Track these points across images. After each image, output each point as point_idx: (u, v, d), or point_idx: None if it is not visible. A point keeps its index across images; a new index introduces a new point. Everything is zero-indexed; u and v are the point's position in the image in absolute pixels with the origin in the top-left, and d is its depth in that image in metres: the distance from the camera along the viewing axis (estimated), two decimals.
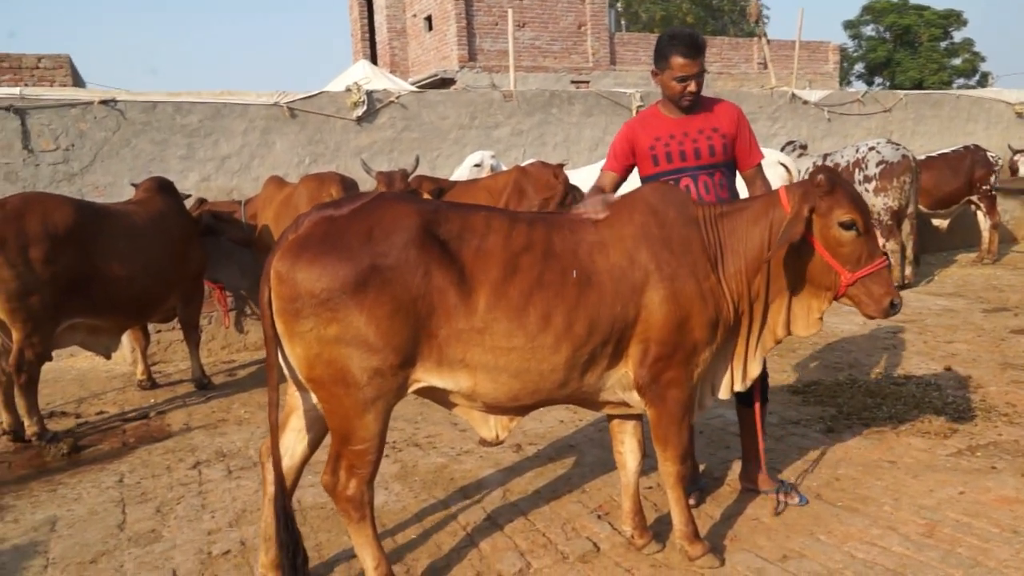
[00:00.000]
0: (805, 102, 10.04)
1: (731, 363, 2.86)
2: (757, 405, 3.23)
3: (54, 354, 5.96)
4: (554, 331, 2.49)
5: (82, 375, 6.14)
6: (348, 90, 7.33)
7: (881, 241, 7.84)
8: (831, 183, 2.71)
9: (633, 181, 3.25)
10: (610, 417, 2.96)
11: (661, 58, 3.12)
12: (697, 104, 3.19)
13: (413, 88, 9.07)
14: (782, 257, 2.74)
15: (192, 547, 3.17)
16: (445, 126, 7.84)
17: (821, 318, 2.90)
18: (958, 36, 33.19)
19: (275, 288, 2.41)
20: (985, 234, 9.27)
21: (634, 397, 2.73)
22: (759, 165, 3.29)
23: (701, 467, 3.71)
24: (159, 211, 4.96)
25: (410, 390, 2.54)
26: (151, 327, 6.00)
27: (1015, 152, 11.55)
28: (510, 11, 12.55)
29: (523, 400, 2.60)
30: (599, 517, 3.27)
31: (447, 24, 19.08)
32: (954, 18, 33.08)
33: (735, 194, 3.25)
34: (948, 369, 5.10)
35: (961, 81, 34.01)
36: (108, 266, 4.54)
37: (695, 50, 3.05)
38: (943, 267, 9.28)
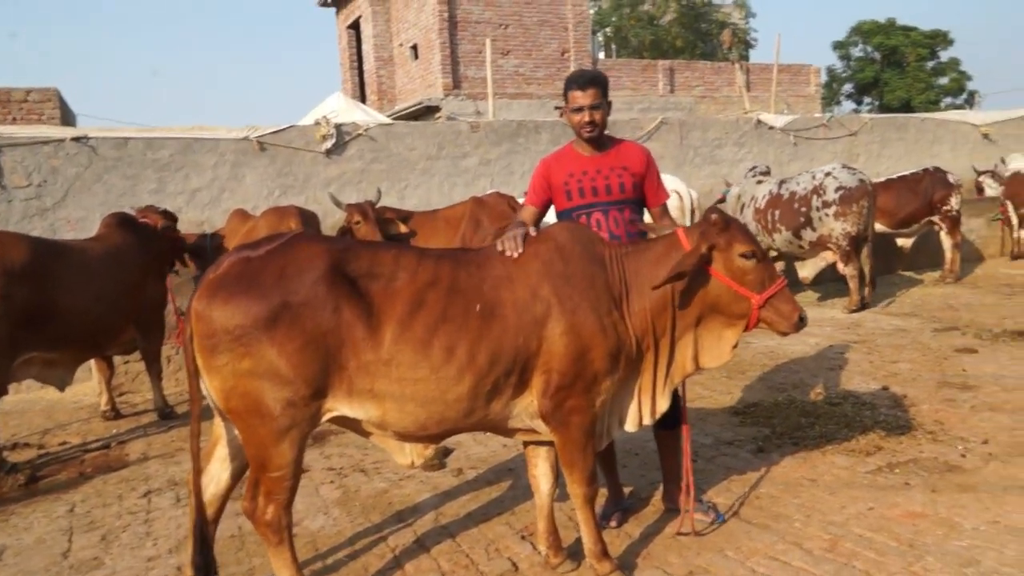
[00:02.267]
0: (771, 127, 10.28)
1: (638, 397, 3.02)
2: (686, 427, 3.36)
3: (24, 386, 6.14)
4: (457, 362, 2.66)
5: (50, 406, 6.29)
6: (317, 123, 7.55)
7: (840, 265, 8.05)
8: (725, 221, 2.92)
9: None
10: (524, 443, 3.12)
11: (564, 96, 3.35)
12: (604, 140, 3.39)
13: (386, 120, 9.30)
14: (688, 295, 2.92)
15: (130, 573, 3.31)
16: (413, 157, 8.06)
17: (733, 347, 3.09)
18: (944, 56, 33.67)
19: (194, 325, 2.59)
20: (947, 254, 9.46)
21: (540, 424, 2.89)
22: (664, 204, 3.49)
23: (629, 489, 3.85)
24: (115, 245, 5.13)
25: (323, 419, 2.70)
26: (119, 358, 6.16)
27: (979, 173, 11.80)
28: (488, 41, 12.88)
29: (431, 429, 2.76)
30: (523, 538, 3.41)
31: (432, 53, 19.43)
32: (940, 38, 33.57)
33: (642, 230, 3.43)
34: (886, 388, 5.26)
35: (948, 100, 34.41)
36: (62, 300, 4.70)
37: (587, 83, 3.28)
38: (906, 287, 9.46)
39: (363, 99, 22.99)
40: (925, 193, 9.06)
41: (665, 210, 3.48)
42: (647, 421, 3.04)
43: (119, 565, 3.41)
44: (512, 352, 2.72)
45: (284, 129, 7.47)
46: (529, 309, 2.75)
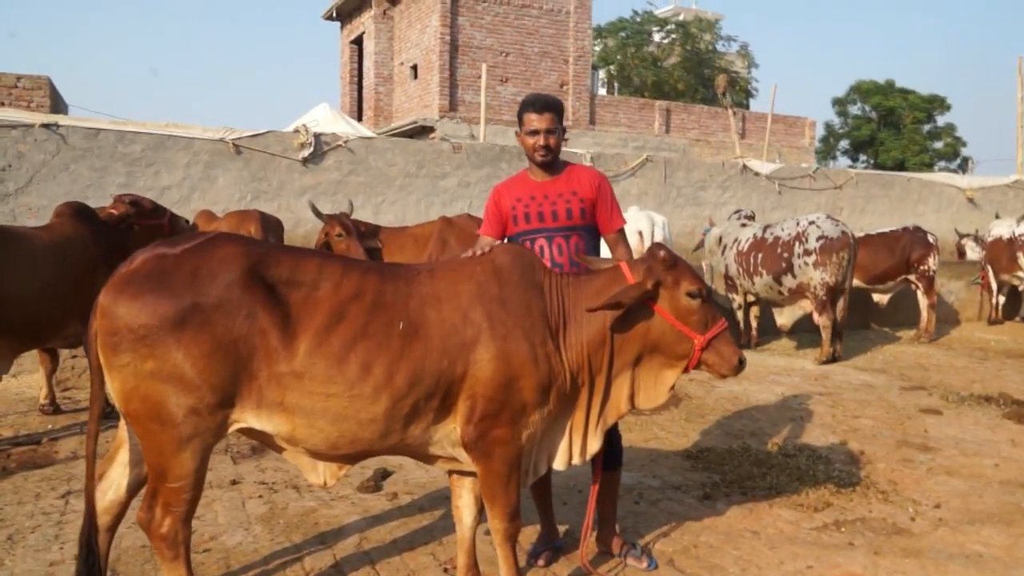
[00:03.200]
0: (756, 174, 10.28)
1: (570, 434, 2.89)
2: (596, 479, 3.21)
3: None
4: (374, 381, 2.53)
5: None
6: (296, 131, 7.46)
7: (815, 315, 7.97)
8: (673, 258, 2.83)
9: None
10: (449, 472, 2.98)
11: (518, 120, 3.26)
12: (557, 166, 3.30)
13: (369, 133, 9.23)
14: (628, 332, 2.81)
15: None
16: (392, 173, 7.97)
17: (671, 389, 2.97)
18: (941, 120, 34.16)
19: (98, 321, 2.45)
20: (923, 313, 9.42)
21: (463, 453, 2.75)
22: (621, 230, 3.38)
23: (565, 528, 3.70)
24: (65, 236, 4.98)
25: (230, 430, 2.56)
26: (67, 352, 5.98)
27: (961, 236, 11.83)
28: (484, 66, 12.88)
29: (343, 448, 2.62)
30: (445, 571, 3.25)
31: (431, 74, 19.49)
32: (938, 103, 34.07)
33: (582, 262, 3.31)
34: (844, 443, 5.14)
35: (943, 164, 34.86)
36: (8, 289, 4.55)
37: (543, 107, 3.21)
38: (880, 343, 9.39)
39: (359, 115, 23.03)
40: (903, 251, 9.04)
41: (620, 237, 3.37)
42: (577, 461, 2.91)
43: (18, 568, 3.23)
44: (435, 375, 2.59)
45: (262, 134, 7.38)
46: (457, 331, 2.63)
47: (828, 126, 36.45)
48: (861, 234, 9.35)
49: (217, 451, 4.80)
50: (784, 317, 8.47)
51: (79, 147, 6.66)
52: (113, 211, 5.59)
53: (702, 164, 10.28)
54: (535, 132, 3.23)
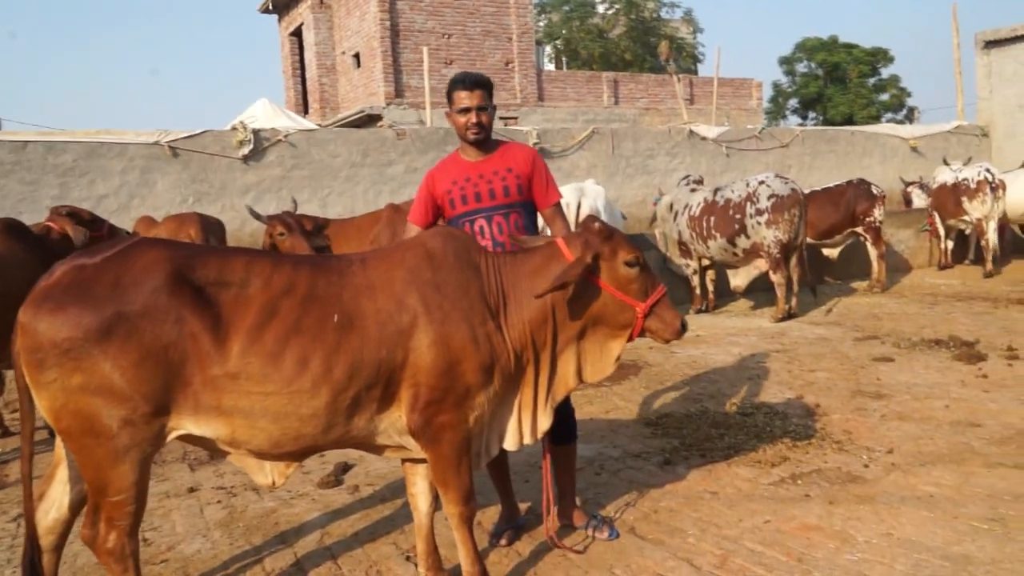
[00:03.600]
0: (704, 138, 10.33)
1: (519, 413, 2.88)
2: (546, 454, 3.23)
3: None
4: (311, 376, 2.49)
5: None
6: (234, 128, 7.31)
7: (770, 274, 8.07)
8: (608, 229, 2.82)
9: None
10: (403, 460, 2.96)
11: (448, 99, 3.22)
12: (490, 144, 3.27)
13: (311, 126, 9.08)
14: (570, 306, 2.81)
15: None
16: (336, 164, 7.86)
17: (617, 359, 2.98)
18: (885, 72, 34.66)
19: (20, 339, 2.37)
20: (874, 264, 9.59)
21: (410, 441, 2.73)
22: (557, 204, 3.37)
23: (527, 505, 3.71)
24: None
25: (168, 438, 2.50)
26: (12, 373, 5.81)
27: (907, 184, 12.04)
28: (426, 49, 12.74)
29: (287, 446, 2.58)
30: (407, 559, 3.24)
31: (374, 61, 19.24)
32: (881, 55, 34.56)
33: (533, 234, 3.30)
34: (800, 398, 5.23)
35: (889, 115, 35.44)
36: None
37: (474, 85, 3.17)
38: (835, 296, 9.55)
39: (306, 107, 22.68)
40: (848, 205, 9.18)
41: (557, 212, 3.36)
42: (528, 439, 2.90)
43: None
44: (374, 365, 2.56)
45: (198, 134, 7.21)
46: (393, 319, 2.60)
47: (776, 86, 36.84)
48: (808, 191, 9.47)
49: (175, 459, 4.73)
50: (739, 278, 8.56)
51: (7, 161, 6.44)
52: (51, 224, 5.43)
53: (649, 133, 10.31)
54: (466, 110, 3.19)
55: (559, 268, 2.77)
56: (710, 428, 4.65)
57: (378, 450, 2.82)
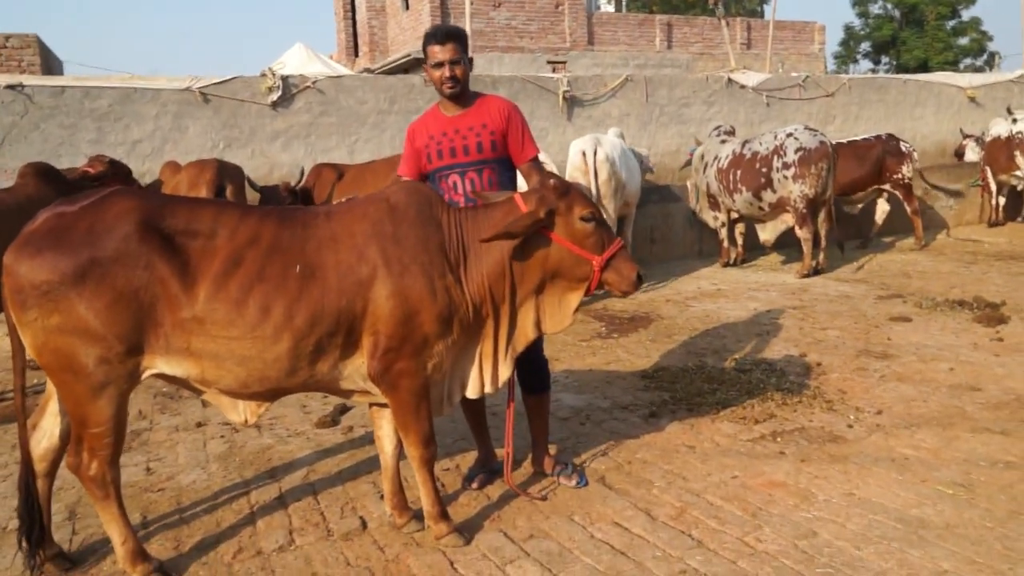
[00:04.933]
0: (743, 86, 10.05)
1: (480, 363, 2.99)
2: (511, 401, 3.32)
3: None
4: (273, 322, 2.63)
5: None
6: (263, 75, 7.44)
7: (796, 228, 7.92)
8: (564, 185, 2.87)
9: None
10: (370, 404, 3.10)
11: (423, 53, 3.25)
12: (468, 98, 3.30)
13: (345, 71, 9.15)
14: (527, 261, 2.88)
15: None
16: (364, 111, 7.95)
17: (574, 312, 3.05)
18: (966, 15, 32.80)
19: (4, 280, 2.56)
20: (912, 220, 9.28)
21: (373, 386, 2.87)
22: (535, 159, 3.39)
23: (510, 451, 3.83)
24: (28, 197, 5.08)
25: (143, 376, 2.68)
26: None
27: (965, 136, 11.52)
28: None
29: (254, 387, 2.74)
30: (382, 497, 3.39)
31: (421, 3, 19.07)
32: None
33: (509, 190, 3.34)
34: (803, 355, 5.20)
35: (968, 61, 33.69)
36: None
37: (446, 37, 3.20)
38: (872, 252, 9.31)
39: (356, 51, 22.69)
40: (875, 161, 8.87)
41: (534, 167, 3.38)
42: (489, 388, 3.01)
43: None
44: (334, 314, 2.69)
45: (228, 80, 7.36)
46: (353, 271, 2.71)
47: (848, 28, 35.22)
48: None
49: (190, 395, 5.00)
50: (767, 232, 8.42)
51: (46, 106, 6.72)
52: (89, 169, 5.68)
53: (685, 80, 10.06)
54: (439, 64, 3.22)
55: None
56: (703, 383, 4.69)
57: (345, 394, 2.96)
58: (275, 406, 4.61)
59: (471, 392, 3.02)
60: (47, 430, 2.87)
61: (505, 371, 3.01)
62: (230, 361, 2.65)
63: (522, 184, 3.46)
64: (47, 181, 5.38)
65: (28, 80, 6.71)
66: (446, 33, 3.22)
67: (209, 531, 3.19)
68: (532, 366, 3.46)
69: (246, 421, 2.91)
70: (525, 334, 3.00)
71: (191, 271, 2.59)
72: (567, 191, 2.87)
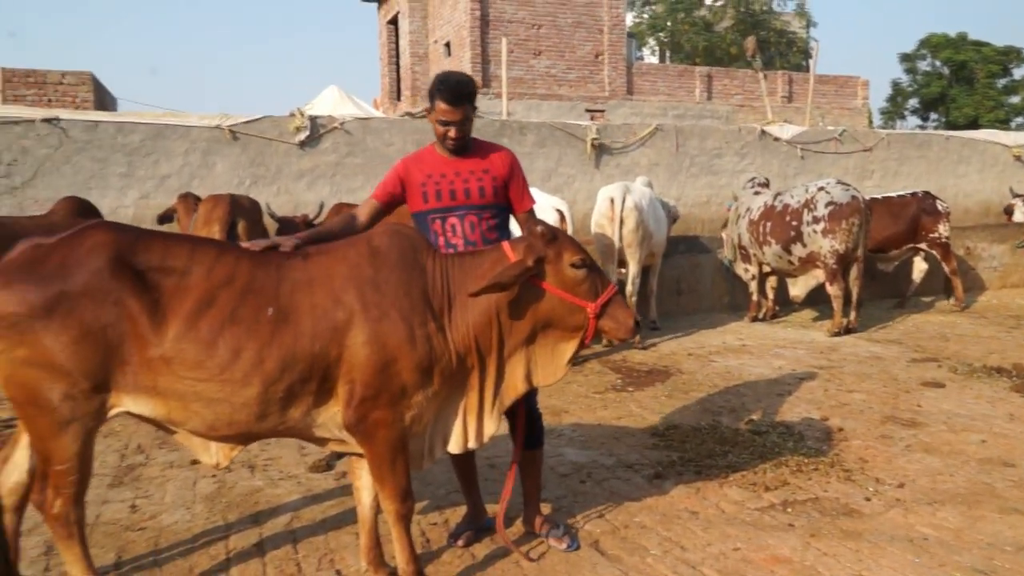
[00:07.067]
0: (776, 139, 9.89)
1: (464, 417, 2.85)
2: (514, 457, 3.16)
3: None
4: (243, 366, 2.53)
5: None
6: (291, 115, 7.53)
7: (826, 285, 7.68)
8: (551, 232, 2.77)
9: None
10: (348, 454, 2.98)
11: (430, 99, 3.16)
12: (467, 148, 3.22)
13: (376, 114, 9.24)
14: (516, 310, 2.77)
15: None
16: (390, 152, 7.98)
17: (568, 363, 2.91)
18: (1018, 73, 32.42)
19: None
20: (952, 281, 8.94)
21: (349, 436, 2.75)
22: (531, 210, 3.31)
23: (505, 506, 3.66)
24: (54, 224, 5.13)
25: (109, 414, 2.60)
26: None
27: (1015, 195, 11.17)
28: (504, 40, 12.75)
29: (222, 430, 2.64)
30: None
31: (463, 51, 19.40)
32: (1014, 55, 32.43)
33: (505, 237, 3.24)
34: (825, 419, 4.95)
35: (1020, 120, 33.16)
36: None
37: (457, 98, 3.06)
38: (909, 312, 8.98)
39: (398, 95, 23.11)
40: (910, 218, 8.61)
41: (531, 216, 3.29)
42: (472, 444, 2.87)
43: None
44: (307, 359, 2.58)
45: (258, 119, 7.47)
46: (329, 315, 2.61)
47: (895, 84, 34.99)
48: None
49: None
50: (797, 288, 8.17)
51: (80, 139, 6.88)
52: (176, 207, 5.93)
53: (717, 131, 9.93)
54: (447, 124, 3.13)
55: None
56: (715, 444, 4.47)
57: (320, 442, 2.85)
58: (272, 447, 4.56)
59: (453, 447, 2.88)
60: (18, 464, 2.80)
61: (491, 426, 2.87)
62: (197, 403, 2.56)
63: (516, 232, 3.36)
64: (76, 214, 5.45)
65: (64, 114, 6.88)
66: (458, 94, 3.08)
67: None
68: (525, 421, 3.31)
69: (218, 464, 2.80)
70: (514, 387, 2.87)
71: (162, 309, 2.52)
72: (555, 237, 2.76)
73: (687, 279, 8.97)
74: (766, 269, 8.55)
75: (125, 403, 2.57)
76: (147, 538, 3.42)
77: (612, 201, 6.88)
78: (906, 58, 34.44)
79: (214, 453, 2.79)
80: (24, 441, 2.81)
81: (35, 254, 2.53)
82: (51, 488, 2.60)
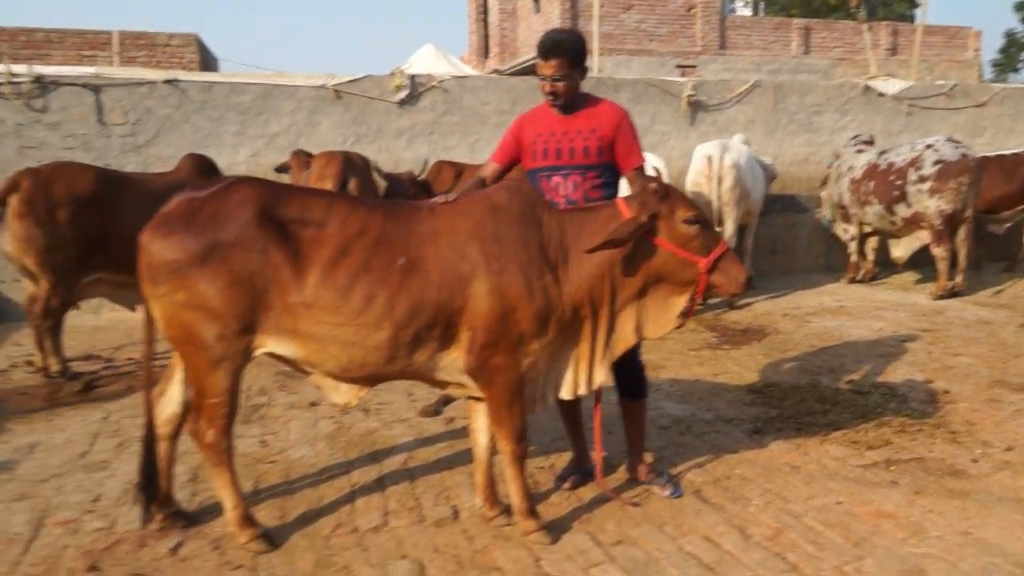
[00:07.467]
0: (880, 94, 9.50)
1: (575, 365, 2.99)
2: (598, 404, 3.25)
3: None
4: (376, 311, 2.73)
5: (134, 325, 6.90)
6: (392, 74, 7.71)
7: (931, 246, 7.43)
8: (664, 189, 2.84)
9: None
10: (468, 397, 3.17)
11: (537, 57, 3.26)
12: (576, 105, 3.30)
13: (473, 73, 9.35)
14: (630, 265, 2.88)
15: (126, 476, 3.65)
16: (486, 111, 8.09)
17: (681, 316, 3.00)
18: None
19: (139, 257, 2.80)
20: None
21: (469, 379, 2.93)
22: (640, 168, 3.35)
23: (601, 454, 3.81)
24: (179, 181, 5.47)
25: (254, 355, 2.86)
26: None
27: None
28: None
29: (354, 372, 2.86)
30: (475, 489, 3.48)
31: (552, 6, 19.18)
32: None
33: (612, 195, 3.32)
34: (929, 382, 4.87)
35: None
36: (125, 228, 5.10)
37: (548, 52, 3.15)
38: (1021, 276, 8.58)
39: (486, 52, 23.11)
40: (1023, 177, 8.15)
41: (638, 174, 3.34)
42: (582, 391, 3.01)
43: (121, 468, 3.77)
44: (433, 307, 2.76)
45: (360, 79, 7.69)
46: (454, 267, 2.77)
47: (1009, 34, 32.66)
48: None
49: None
50: (900, 249, 7.93)
51: (197, 99, 7.26)
52: (288, 162, 6.33)
53: (817, 87, 9.59)
54: (543, 78, 3.23)
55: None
56: (815, 402, 4.49)
57: (441, 385, 3.04)
58: (382, 392, 4.83)
59: (565, 393, 3.03)
60: (173, 396, 3.10)
61: (600, 374, 3.00)
62: (333, 346, 2.78)
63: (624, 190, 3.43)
64: (200, 171, 5.78)
65: (183, 76, 7.27)
66: (550, 48, 3.16)
67: (312, 505, 3.35)
68: (629, 372, 3.43)
69: (347, 404, 3.03)
70: (624, 338, 2.98)
71: (302, 258, 2.73)
72: (668, 194, 2.84)
73: (783, 238, 8.82)
74: (867, 229, 8.32)
75: (269, 345, 2.82)
76: (278, 470, 3.73)
77: (710, 159, 6.82)
78: (1020, 7, 32.02)
79: (344, 393, 3.02)
80: (177, 377, 3.11)
81: (190, 206, 2.78)
82: (205, 419, 2.89)
